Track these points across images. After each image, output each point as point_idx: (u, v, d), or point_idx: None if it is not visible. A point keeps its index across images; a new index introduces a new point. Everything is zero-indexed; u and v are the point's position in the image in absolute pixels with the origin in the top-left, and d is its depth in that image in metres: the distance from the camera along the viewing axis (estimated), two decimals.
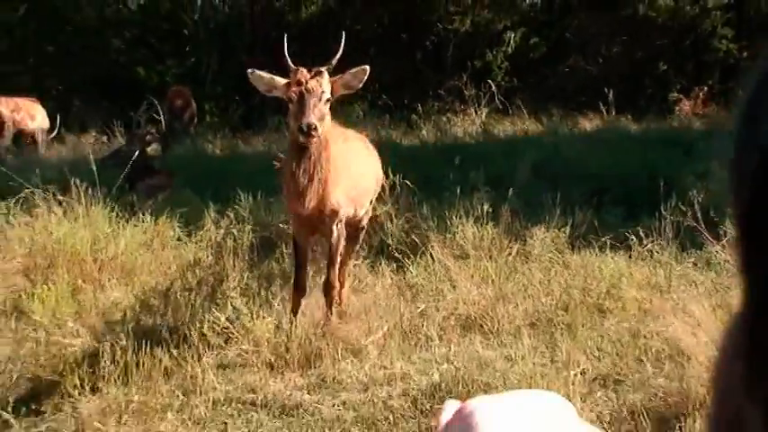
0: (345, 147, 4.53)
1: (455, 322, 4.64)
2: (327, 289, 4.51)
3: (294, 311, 4.43)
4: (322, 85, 4.07)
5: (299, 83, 4.05)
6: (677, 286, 4.90)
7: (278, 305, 4.75)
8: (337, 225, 4.41)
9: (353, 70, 4.32)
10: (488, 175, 7.00)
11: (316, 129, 3.92)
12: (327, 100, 4.12)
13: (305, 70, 4.11)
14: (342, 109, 4.80)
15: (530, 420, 0.59)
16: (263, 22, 14.92)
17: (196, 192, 7.37)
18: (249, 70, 4.30)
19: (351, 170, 4.50)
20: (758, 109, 0.41)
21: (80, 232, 5.60)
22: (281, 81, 4.22)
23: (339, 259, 4.58)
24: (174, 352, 4.10)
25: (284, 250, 5.65)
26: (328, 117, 4.16)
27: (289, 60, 4.26)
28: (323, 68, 4.16)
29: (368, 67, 4.31)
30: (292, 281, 4.60)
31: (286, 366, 4.18)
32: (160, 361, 3.94)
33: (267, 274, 5.36)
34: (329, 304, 4.50)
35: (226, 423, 3.76)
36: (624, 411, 3.65)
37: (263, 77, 4.27)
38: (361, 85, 4.42)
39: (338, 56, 4.33)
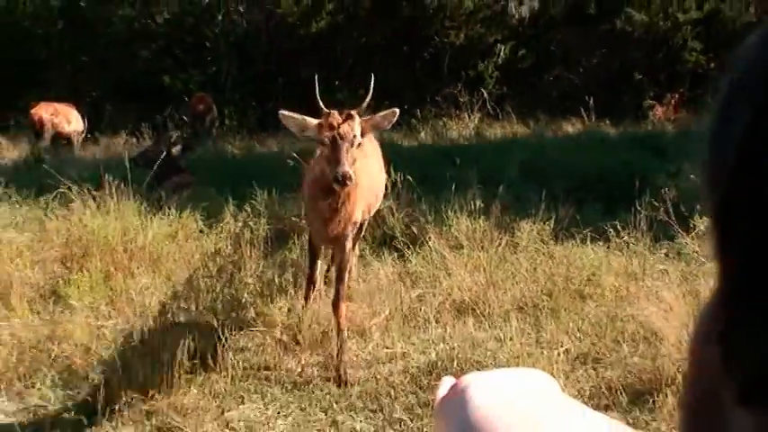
0: (362, 155, 4.13)
1: (450, 306, 4.64)
2: (336, 306, 4.07)
3: (306, 299, 4.40)
4: (353, 129, 3.75)
5: (331, 126, 3.73)
6: (651, 274, 4.90)
7: (291, 291, 4.76)
8: (350, 238, 4.13)
9: (383, 113, 4.02)
10: (481, 174, 6.97)
11: (351, 178, 3.61)
12: (359, 144, 3.81)
13: (336, 113, 3.79)
14: None
15: (517, 394, 0.58)
16: (277, 35, 14.88)
17: (216, 188, 7.36)
18: (280, 112, 3.97)
19: (370, 181, 4.31)
20: (731, 111, 0.40)
21: (112, 224, 5.60)
22: (313, 122, 3.88)
23: (347, 276, 4.24)
24: (197, 332, 4.11)
25: (296, 241, 5.65)
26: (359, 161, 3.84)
27: (320, 103, 3.89)
28: (353, 112, 3.83)
29: (398, 110, 4.04)
30: (306, 274, 4.49)
31: (297, 346, 4.18)
32: (184, 340, 3.94)
33: (281, 262, 5.35)
34: (338, 319, 4.05)
35: (243, 397, 3.77)
36: (603, 387, 3.66)
37: (294, 119, 3.93)
38: (389, 126, 4.12)
39: (368, 100, 3.99)
